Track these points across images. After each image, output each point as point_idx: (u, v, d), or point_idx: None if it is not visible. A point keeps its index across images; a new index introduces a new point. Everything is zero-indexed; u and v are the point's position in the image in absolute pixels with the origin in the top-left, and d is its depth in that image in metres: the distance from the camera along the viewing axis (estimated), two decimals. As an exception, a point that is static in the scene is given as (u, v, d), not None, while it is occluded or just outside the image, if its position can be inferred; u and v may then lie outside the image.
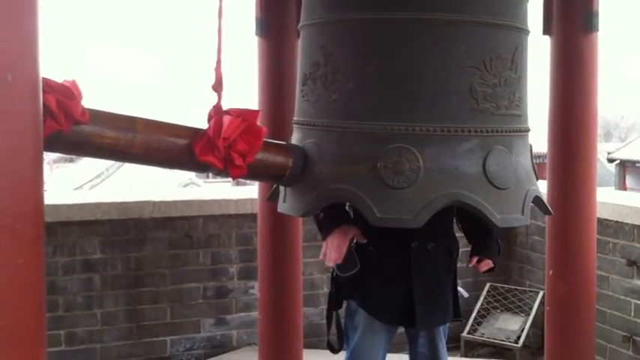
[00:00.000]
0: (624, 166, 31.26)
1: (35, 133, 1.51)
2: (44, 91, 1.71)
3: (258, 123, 2.39)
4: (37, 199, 1.52)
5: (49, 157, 25.90)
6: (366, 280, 2.81)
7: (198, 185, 21.61)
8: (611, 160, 31.40)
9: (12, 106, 1.42)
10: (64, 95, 1.97)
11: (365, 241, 2.75)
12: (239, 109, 2.33)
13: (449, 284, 2.97)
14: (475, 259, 2.91)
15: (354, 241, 2.77)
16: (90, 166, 26.49)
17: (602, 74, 3.44)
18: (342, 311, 3.00)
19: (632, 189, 25.25)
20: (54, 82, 1.95)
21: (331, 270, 2.95)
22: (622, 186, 28.80)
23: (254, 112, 2.36)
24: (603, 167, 28.14)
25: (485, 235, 2.91)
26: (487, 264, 2.92)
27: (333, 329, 2.96)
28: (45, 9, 1.61)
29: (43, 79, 1.67)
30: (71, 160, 31.27)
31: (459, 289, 3.07)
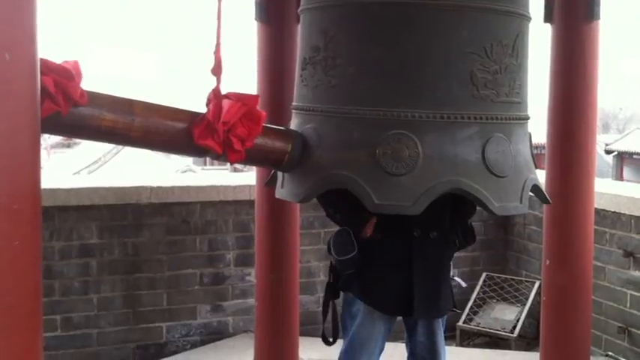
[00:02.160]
0: (622, 157, 31.33)
1: (33, 113, 1.50)
2: (42, 72, 1.69)
3: (258, 108, 2.37)
4: (35, 180, 1.51)
5: (46, 142, 25.85)
6: (366, 269, 2.79)
7: (195, 172, 21.59)
8: (608, 152, 31.45)
9: (9, 85, 1.41)
10: (63, 76, 1.94)
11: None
12: (238, 94, 2.31)
13: (448, 274, 2.96)
14: None
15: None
16: (87, 151, 26.48)
17: (600, 72, 3.41)
18: (338, 300, 2.98)
19: (629, 181, 25.26)
20: (52, 62, 1.93)
21: (330, 260, 2.93)
22: (619, 177, 28.85)
23: (254, 97, 2.35)
24: (601, 159, 28.17)
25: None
26: None
27: (329, 319, 2.94)
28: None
29: (41, 59, 1.65)
30: (68, 146, 31.24)
31: (456, 278, 3.06)
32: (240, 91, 2.35)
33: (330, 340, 2.94)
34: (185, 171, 22.14)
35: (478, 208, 2.57)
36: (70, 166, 24.00)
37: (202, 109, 2.29)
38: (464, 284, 3.21)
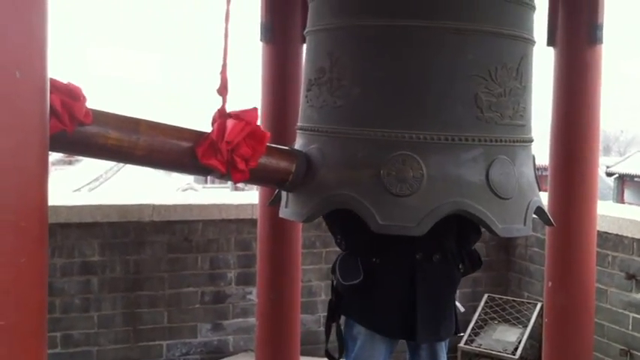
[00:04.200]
0: (623, 180, 31.31)
1: (42, 131, 1.50)
2: (49, 91, 1.70)
3: (262, 128, 2.39)
4: (42, 197, 1.51)
5: (47, 159, 25.82)
6: (367, 292, 2.78)
7: (196, 190, 21.58)
8: (610, 174, 31.44)
9: (19, 103, 1.41)
10: (69, 96, 1.97)
11: None
12: (238, 111, 2.32)
13: (453, 298, 2.94)
14: None
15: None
16: (88, 169, 26.47)
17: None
18: (341, 318, 2.98)
19: (630, 203, 25.23)
20: (59, 82, 1.96)
21: (331, 279, 2.93)
22: (620, 200, 28.83)
23: (253, 111, 2.35)
24: (602, 181, 28.13)
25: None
26: None
27: (333, 337, 2.93)
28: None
29: (49, 78, 1.66)
30: (69, 163, 31.23)
31: (456, 303, 3.05)
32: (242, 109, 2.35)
33: (336, 357, 2.94)
34: (186, 189, 22.11)
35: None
36: (70, 183, 23.97)
37: (202, 109, 2.30)
38: (462, 309, 3.19)
